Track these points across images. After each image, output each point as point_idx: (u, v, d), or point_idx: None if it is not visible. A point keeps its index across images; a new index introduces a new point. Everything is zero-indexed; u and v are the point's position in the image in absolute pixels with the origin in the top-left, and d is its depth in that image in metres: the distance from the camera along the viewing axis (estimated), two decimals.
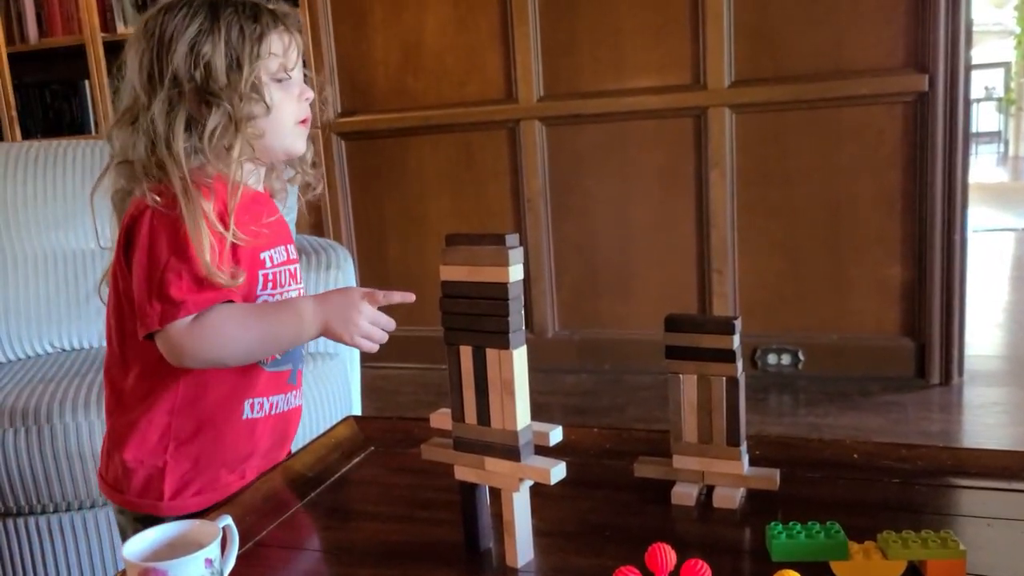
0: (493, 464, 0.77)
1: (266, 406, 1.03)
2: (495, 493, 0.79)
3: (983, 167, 8.67)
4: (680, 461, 0.90)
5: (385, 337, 0.98)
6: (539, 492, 0.88)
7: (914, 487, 0.87)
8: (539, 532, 0.84)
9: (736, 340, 0.86)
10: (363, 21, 3.05)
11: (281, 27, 0.99)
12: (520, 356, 0.75)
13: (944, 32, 2.40)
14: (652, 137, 2.81)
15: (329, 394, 1.57)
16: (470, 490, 0.80)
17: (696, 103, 2.71)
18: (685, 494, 0.88)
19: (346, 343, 0.96)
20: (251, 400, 1.01)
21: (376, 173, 3.16)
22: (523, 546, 0.78)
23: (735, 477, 0.88)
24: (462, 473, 0.80)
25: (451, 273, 0.77)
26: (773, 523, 0.76)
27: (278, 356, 1.03)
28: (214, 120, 0.94)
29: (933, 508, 0.84)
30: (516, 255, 0.75)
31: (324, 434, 1.11)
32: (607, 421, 2.55)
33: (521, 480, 0.76)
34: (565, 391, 2.88)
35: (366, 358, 2.17)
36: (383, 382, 2.93)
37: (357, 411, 1.82)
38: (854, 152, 2.57)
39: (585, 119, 2.87)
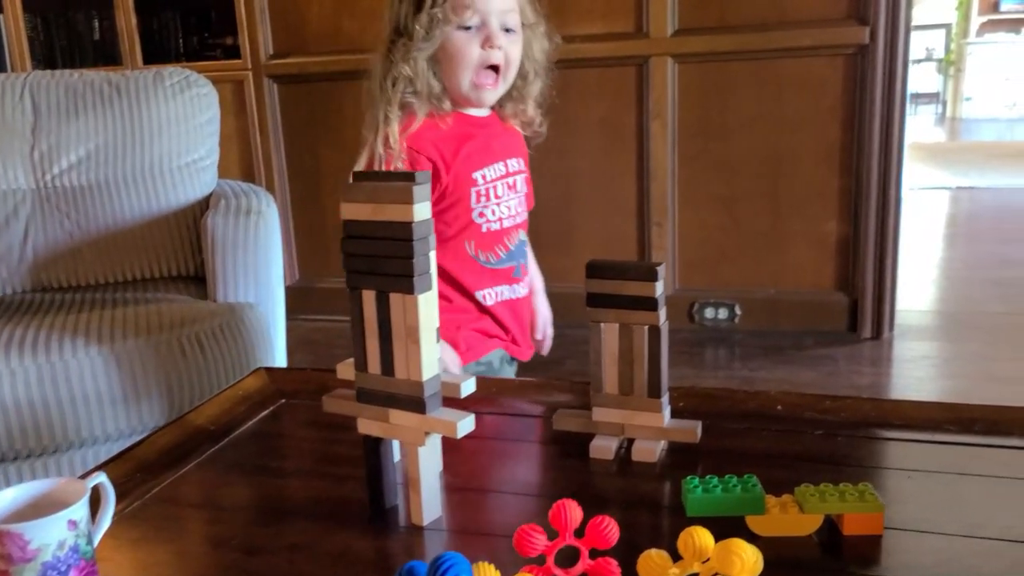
0: (397, 416, 0.73)
1: (494, 295, 1.24)
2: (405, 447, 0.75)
3: (922, 127, 8.81)
4: (600, 413, 0.86)
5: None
6: (452, 446, 0.84)
7: (837, 439, 0.85)
8: (450, 488, 0.80)
9: (659, 287, 0.82)
10: None
11: None
12: (426, 301, 0.70)
13: None
14: (594, 87, 2.75)
15: (248, 346, 1.50)
16: (374, 444, 0.75)
17: (638, 51, 2.65)
18: (604, 447, 0.85)
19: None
20: (481, 292, 1.22)
21: (310, 118, 3.04)
22: (429, 503, 0.73)
23: (655, 430, 0.84)
24: (365, 426, 0.75)
25: (353, 212, 0.71)
26: (689, 477, 0.73)
27: (501, 255, 1.22)
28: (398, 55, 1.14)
29: (855, 460, 0.82)
30: (423, 192, 0.69)
31: (232, 385, 1.05)
32: (550, 373, 2.53)
33: (427, 434, 0.72)
34: None
35: (292, 310, 2.10)
36: (319, 335, 2.86)
37: (281, 364, 1.76)
38: (795, 105, 2.55)
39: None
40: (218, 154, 1.94)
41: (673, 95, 2.65)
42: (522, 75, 1.21)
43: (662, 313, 0.83)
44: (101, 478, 0.66)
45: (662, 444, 0.85)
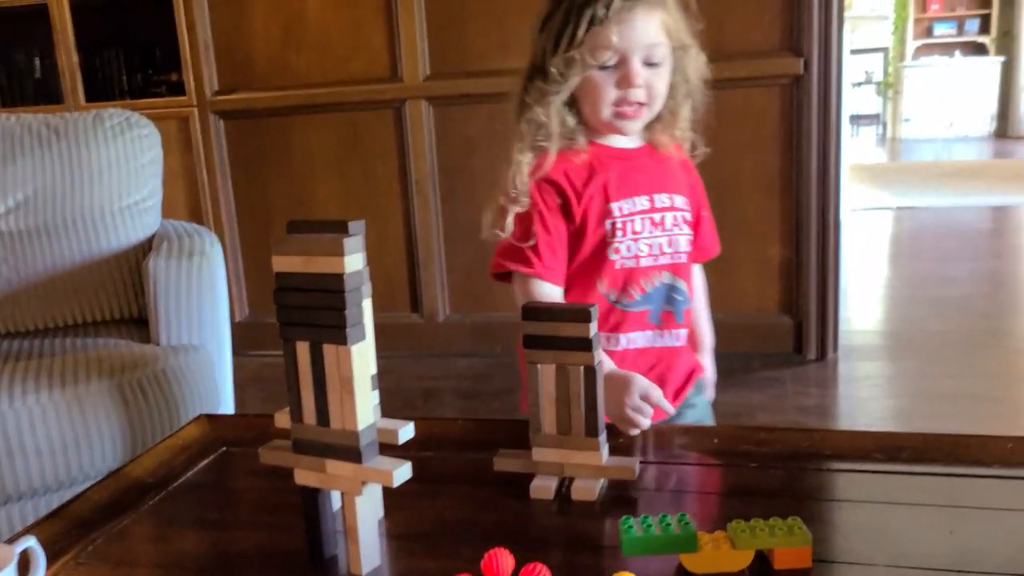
0: (334, 466, 0.73)
1: (622, 341, 1.15)
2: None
3: (863, 148, 9.05)
4: (539, 453, 0.87)
5: (646, 423, 0.97)
6: (393, 492, 0.84)
7: (771, 471, 0.87)
8: (391, 535, 0.80)
9: (593, 328, 0.84)
10: None
11: (609, 17, 1.05)
12: (360, 352, 0.71)
13: (818, 17, 2.45)
14: None
15: (193, 389, 1.49)
16: (312, 494, 0.75)
17: None
18: (543, 487, 0.86)
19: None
20: (605, 334, 1.13)
21: (259, 154, 3.03)
22: (368, 552, 0.74)
23: (594, 468, 0.85)
24: (302, 477, 0.75)
25: (285, 264, 0.72)
26: (624, 517, 0.74)
27: (636, 296, 1.14)
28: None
29: (788, 493, 0.84)
30: (354, 244, 0.70)
31: (171, 435, 1.04)
32: (497, 405, 2.54)
33: (364, 483, 0.72)
34: (457, 375, 2.84)
35: (243, 346, 2.07)
36: (270, 371, 2.83)
37: (229, 407, 1.74)
38: (736, 134, 2.61)
39: (473, 98, 2.81)
40: (161, 194, 1.92)
41: None
42: (672, 97, 1.14)
43: (597, 353, 0.84)
44: (30, 542, 0.65)
45: (601, 482, 0.86)
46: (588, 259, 1.14)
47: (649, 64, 1.09)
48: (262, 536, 0.81)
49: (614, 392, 0.95)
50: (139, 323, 1.75)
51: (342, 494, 0.74)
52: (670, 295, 1.17)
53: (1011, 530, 0.74)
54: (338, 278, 0.69)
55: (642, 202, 1.14)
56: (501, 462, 0.89)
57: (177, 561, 0.79)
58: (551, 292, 1.13)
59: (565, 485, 0.87)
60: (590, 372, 0.84)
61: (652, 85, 1.10)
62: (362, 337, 0.71)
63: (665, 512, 0.73)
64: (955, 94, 9.41)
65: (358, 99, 2.89)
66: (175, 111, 2.99)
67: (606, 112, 1.11)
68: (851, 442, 0.92)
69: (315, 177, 3.00)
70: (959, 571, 0.68)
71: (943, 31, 9.66)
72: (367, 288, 0.78)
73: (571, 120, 1.12)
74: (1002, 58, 9.35)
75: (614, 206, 1.13)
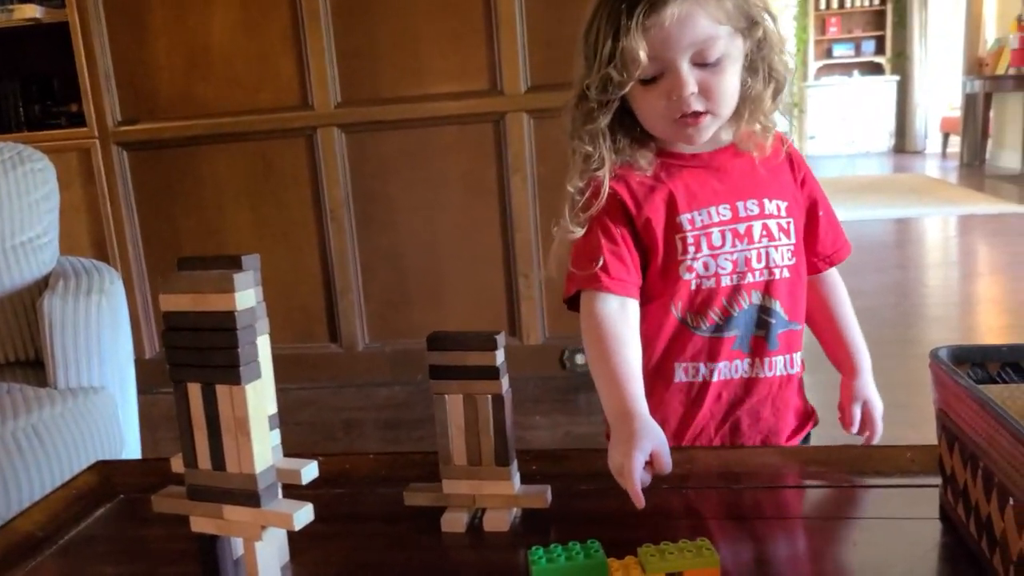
0: (232, 512, 0.70)
1: (703, 371, 1.02)
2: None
3: None
4: (450, 486, 0.85)
5: (633, 493, 0.80)
6: (299, 534, 0.81)
7: (682, 492, 0.87)
8: None
9: (500, 356, 0.83)
10: (141, 22, 2.84)
11: (633, 25, 0.90)
12: (255, 391, 0.68)
13: None
14: (454, 143, 2.79)
15: (93, 433, 1.42)
16: (210, 542, 0.72)
17: (495, 108, 2.71)
18: (455, 520, 0.84)
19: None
20: (683, 364, 1.02)
21: (166, 186, 2.95)
22: None
23: (506, 498, 0.84)
24: (199, 524, 0.72)
25: (174, 303, 0.69)
26: (534, 548, 0.73)
27: (717, 320, 1.00)
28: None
29: (698, 513, 0.84)
30: (245, 280, 0.68)
31: (64, 484, 0.98)
32: (420, 434, 2.50)
33: (264, 528, 0.69)
34: (378, 405, 2.80)
35: (154, 384, 1.99)
36: None
37: (135, 449, 1.67)
38: None
39: (386, 126, 2.80)
40: (58, 230, 1.85)
41: (531, 149, 2.72)
42: (750, 86, 0.98)
43: (504, 381, 0.83)
44: None
45: (514, 511, 0.85)
46: (658, 280, 1.01)
47: (703, 65, 0.93)
48: None
49: (618, 444, 0.85)
50: (36, 365, 1.67)
51: (243, 540, 0.71)
52: (761, 318, 1.02)
53: (913, 539, 0.76)
54: (229, 316, 0.66)
55: (723, 212, 0.99)
56: (411, 496, 0.87)
57: None
58: (623, 308, 0.97)
59: (477, 516, 0.86)
60: (498, 400, 0.83)
61: (711, 88, 0.93)
62: (257, 376, 0.68)
63: (576, 540, 0.72)
64: (855, 112, 9.84)
65: (268, 128, 2.84)
66: (76, 143, 2.89)
67: (663, 128, 0.98)
68: (758, 458, 0.93)
69: (226, 208, 2.93)
70: None
71: (841, 52, 10.11)
72: (263, 324, 0.75)
73: (624, 140, 0.99)
74: (897, 77, 9.82)
75: (683, 218, 0.99)
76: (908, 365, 2.78)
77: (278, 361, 0.76)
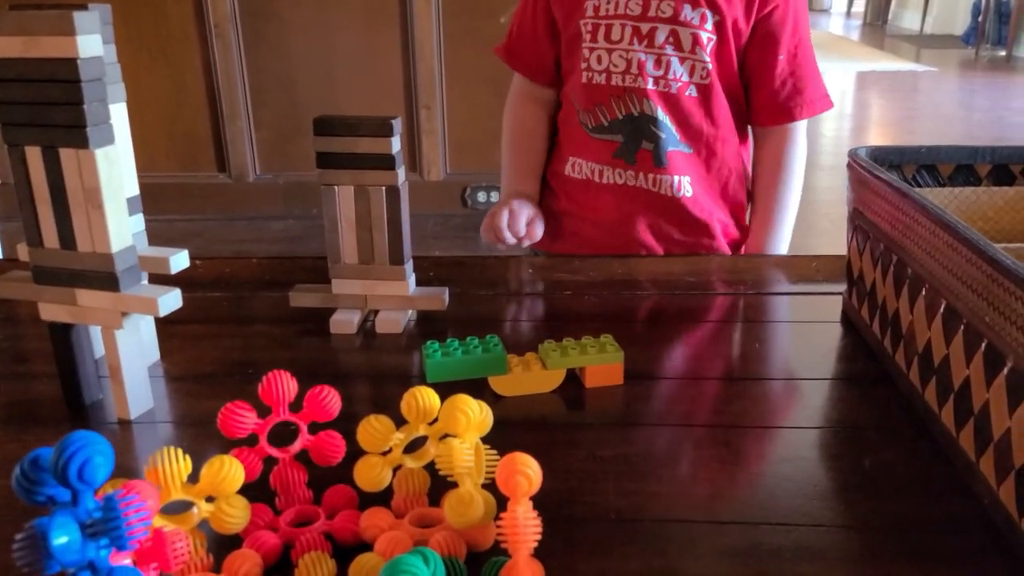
0: (86, 297, 0.62)
1: (585, 170, 1.02)
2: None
3: None
4: (339, 285, 0.79)
5: (502, 238, 1.03)
6: (172, 333, 0.75)
7: (584, 298, 0.84)
8: (168, 376, 0.71)
9: (395, 143, 0.75)
10: None
11: None
12: (107, 158, 0.59)
13: None
14: None
15: None
16: (63, 332, 0.64)
17: None
18: (345, 322, 0.78)
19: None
20: (573, 159, 1.03)
21: None
22: (136, 394, 0.64)
23: (400, 299, 0.79)
24: (49, 312, 0.63)
25: (2, 48, 0.58)
26: (429, 342, 0.68)
27: (603, 119, 0.98)
28: None
29: (600, 316, 0.81)
30: (89, 21, 0.57)
31: None
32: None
33: (124, 315, 0.62)
34: (269, 239, 2.69)
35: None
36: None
37: None
38: None
39: None
40: None
41: None
42: None
43: (400, 172, 0.76)
44: None
45: (409, 314, 0.80)
46: (566, 69, 1.00)
47: None
48: (11, 387, 0.69)
49: (500, 203, 1.00)
50: None
51: (101, 330, 0.64)
52: (649, 130, 0.96)
53: (815, 340, 0.75)
54: (70, 64, 0.56)
55: (631, 7, 0.93)
56: (297, 297, 0.80)
57: None
58: (531, 90, 1.08)
59: (370, 320, 0.81)
60: (393, 193, 0.76)
61: None
62: (110, 141, 0.59)
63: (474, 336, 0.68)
64: None
65: None
66: None
67: None
68: (660, 267, 0.90)
69: None
70: (756, 376, 0.67)
71: None
72: (118, 91, 0.65)
73: None
74: None
75: (590, 3, 0.94)
76: (802, 211, 2.84)
77: (162, 190, 0.67)
